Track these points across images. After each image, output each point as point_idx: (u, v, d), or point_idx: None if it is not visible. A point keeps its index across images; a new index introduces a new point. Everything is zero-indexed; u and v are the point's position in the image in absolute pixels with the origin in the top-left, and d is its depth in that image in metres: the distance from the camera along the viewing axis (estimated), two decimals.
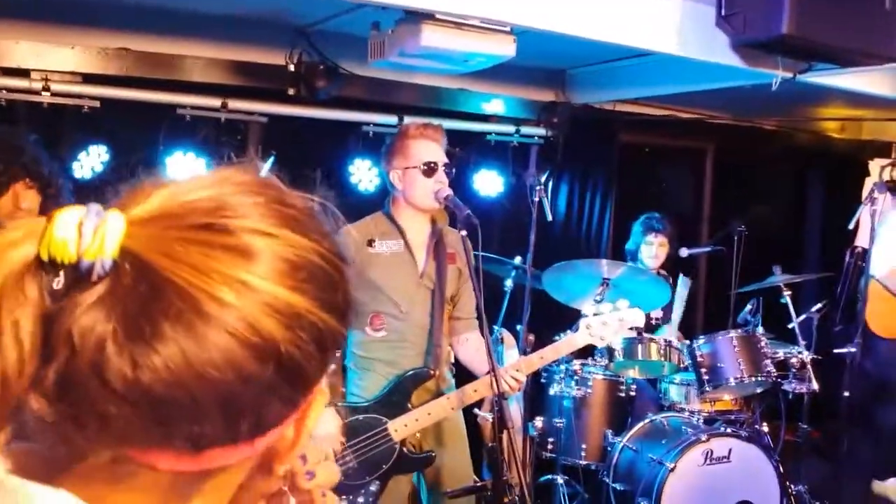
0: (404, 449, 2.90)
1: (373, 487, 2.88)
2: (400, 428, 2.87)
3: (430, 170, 2.96)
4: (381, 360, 2.99)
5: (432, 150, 3.01)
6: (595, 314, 3.02)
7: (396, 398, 2.92)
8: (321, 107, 4.37)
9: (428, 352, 2.98)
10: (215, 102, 4.16)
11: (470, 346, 3.09)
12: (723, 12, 3.52)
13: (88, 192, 3.81)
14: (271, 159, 4.36)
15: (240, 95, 4.22)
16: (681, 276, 4.64)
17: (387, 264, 2.97)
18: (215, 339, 0.56)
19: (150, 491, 0.61)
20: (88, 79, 3.89)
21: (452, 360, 3.23)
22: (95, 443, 0.57)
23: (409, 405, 2.91)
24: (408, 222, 3.04)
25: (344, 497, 2.87)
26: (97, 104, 3.89)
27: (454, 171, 3.09)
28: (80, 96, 3.88)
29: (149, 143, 4.08)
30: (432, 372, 2.95)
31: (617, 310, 2.98)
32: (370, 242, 2.98)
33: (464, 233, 2.84)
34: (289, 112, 4.36)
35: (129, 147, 4.05)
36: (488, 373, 2.74)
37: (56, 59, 3.82)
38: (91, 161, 3.92)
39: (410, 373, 2.95)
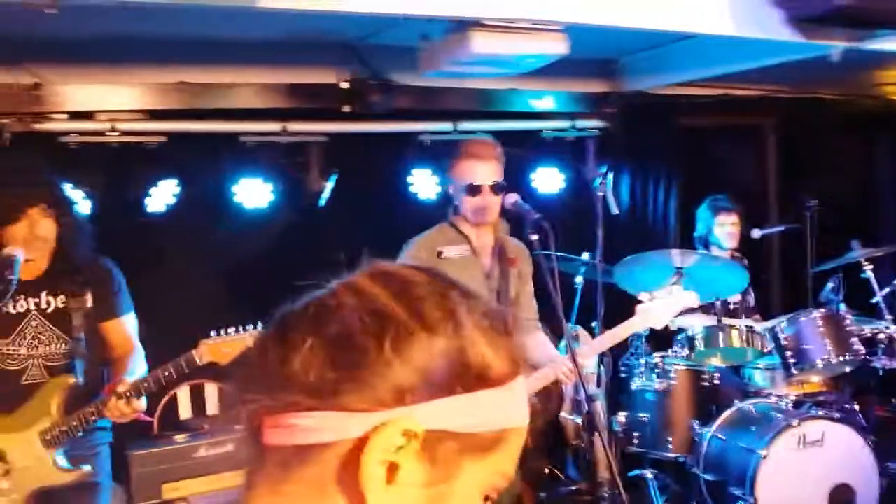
0: None
1: None
2: None
3: (474, 190, 3.08)
4: None
5: (479, 169, 3.09)
6: (650, 299, 3.15)
7: None
8: (377, 121, 4.41)
9: None
10: (275, 127, 4.24)
11: (532, 346, 3.13)
12: None
13: (162, 224, 3.93)
14: (334, 177, 4.44)
15: (298, 117, 4.29)
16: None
17: (456, 267, 3.08)
18: None
19: None
20: (153, 115, 4.00)
21: None
22: None
23: None
24: (469, 231, 3.18)
25: None
26: (163, 139, 4.00)
27: (506, 185, 3.13)
28: (145, 133, 3.99)
29: (216, 173, 4.19)
30: None
31: (670, 293, 3.05)
32: (439, 252, 3.12)
33: (535, 237, 2.87)
34: (346, 129, 4.43)
35: (197, 178, 4.16)
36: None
37: (119, 99, 3.93)
38: (163, 195, 4.03)
39: None
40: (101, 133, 3.90)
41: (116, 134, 3.90)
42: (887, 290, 4.15)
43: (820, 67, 4.14)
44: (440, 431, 0.67)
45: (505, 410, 0.72)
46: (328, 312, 0.71)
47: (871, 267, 4.10)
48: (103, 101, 3.90)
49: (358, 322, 0.69)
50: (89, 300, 2.83)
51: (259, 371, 0.71)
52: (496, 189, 3.09)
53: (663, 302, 3.14)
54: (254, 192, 4.23)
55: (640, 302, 3.59)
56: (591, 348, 3.22)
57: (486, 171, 3.08)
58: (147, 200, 4.02)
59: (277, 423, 0.68)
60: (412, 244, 3.17)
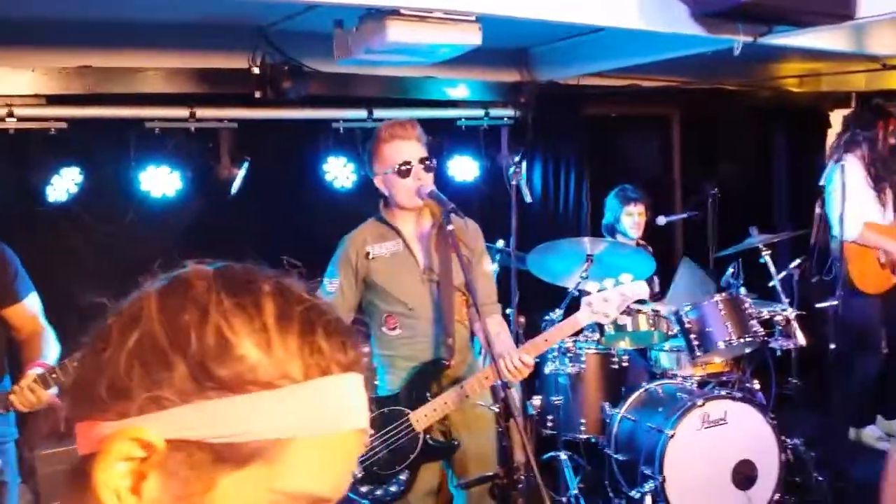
0: (428, 438, 2.99)
1: (403, 476, 2.97)
2: (421, 418, 2.96)
3: (405, 171, 2.97)
4: (399, 356, 3.06)
5: (405, 149, 3.01)
6: (599, 290, 3.01)
7: (416, 390, 3.00)
8: (289, 107, 4.34)
9: (442, 343, 3.01)
10: (183, 112, 4.12)
11: (491, 331, 2.96)
12: None
13: (65, 213, 3.79)
14: (245, 165, 4.35)
15: (207, 103, 4.18)
16: (685, 259, 4.67)
17: (388, 266, 3.02)
18: None
19: None
20: (52, 100, 3.83)
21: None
22: None
23: (429, 396, 2.98)
24: (402, 222, 3.07)
25: (376, 486, 2.97)
26: (64, 125, 3.84)
27: (434, 163, 3.09)
28: (45, 119, 3.82)
29: (120, 160, 4.04)
30: (447, 363, 2.99)
31: (619, 284, 2.99)
32: (367, 253, 3.02)
33: (450, 227, 2.86)
34: (257, 116, 4.34)
35: (101, 166, 4.01)
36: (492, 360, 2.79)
37: (17, 83, 3.75)
38: (65, 183, 3.87)
39: (424, 366, 3.02)
40: None
41: (14, 120, 3.72)
42: (783, 273, 4.36)
43: (721, 60, 4.32)
44: (184, 441, 0.62)
45: (276, 417, 0.63)
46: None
47: (769, 252, 4.30)
48: (0, 85, 3.72)
49: (108, 328, 0.68)
50: None
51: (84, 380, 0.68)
52: (427, 166, 3.00)
53: (610, 294, 2.97)
54: (161, 181, 4.10)
55: (565, 290, 3.67)
56: (536, 346, 2.97)
57: (412, 149, 3.00)
58: (48, 189, 3.85)
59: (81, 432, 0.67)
60: (343, 242, 3.07)
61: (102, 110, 3.93)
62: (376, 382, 3.13)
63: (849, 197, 4.28)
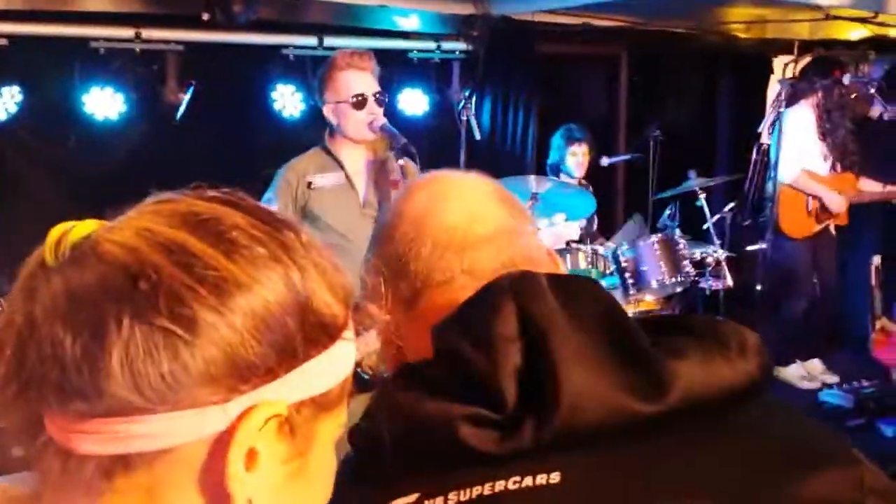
0: (359, 370, 3.04)
1: None
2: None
3: (360, 102, 2.96)
4: None
5: (361, 80, 2.99)
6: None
7: None
8: (238, 31, 4.25)
9: None
10: (128, 33, 4.03)
11: None
12: None
13: (5, 134, 3.72)
14: (190, 90, 4.29)
15: (154, 24, 4.09)
16: (637, 215, 4.80)
17: (328, 197, 3.02)
18: None
19: None
20: None
21: None
22: None
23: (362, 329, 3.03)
24: (346, 154, 3.06)
25: None
26: (5, 42, 3.72)
27: (387, 98, 3.11)
28: None
29: (64, 80, 3.95)
30: None
31: (553, 225, 3.09)
32: (309, 183, 3.01)
33: (401, 161, 2.91)
34: (205, 38, 4.25)
35: (43, 85, 3.92)
36: None
37: None
38: (5, 103, 3.78)
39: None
40: None
41: None
42: (717, 217, 4.54)
43: (674, 2, 4.37)
44: (298, 402, 0.58)
45: (350, 358, 0.64)
46: (136, 279, 0.54)
47: (705, 196, 4.47)
48: None
49: (185, 289, 0.54)
50: None
51: (48, 364, 0.53)
52: (380, 101, 2.99)
53: (545, 234, 3.08)
54: (105, 103, 4.02)
55: None
56: None
57: (367, 81, 2.98)
58: None
59: (92, 430, 0.53)
60: (283, 169, 3.05)
61: (45, 27, 3.82)
62: None
63: (792, 141, 4.44)
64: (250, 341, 0.55)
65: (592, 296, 0.79)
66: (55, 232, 0.58)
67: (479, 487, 0.73)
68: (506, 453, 0.72)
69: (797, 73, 4.87)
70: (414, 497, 0.76)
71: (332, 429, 0.63)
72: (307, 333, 0.58)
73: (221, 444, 0.55)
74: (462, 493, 0.74)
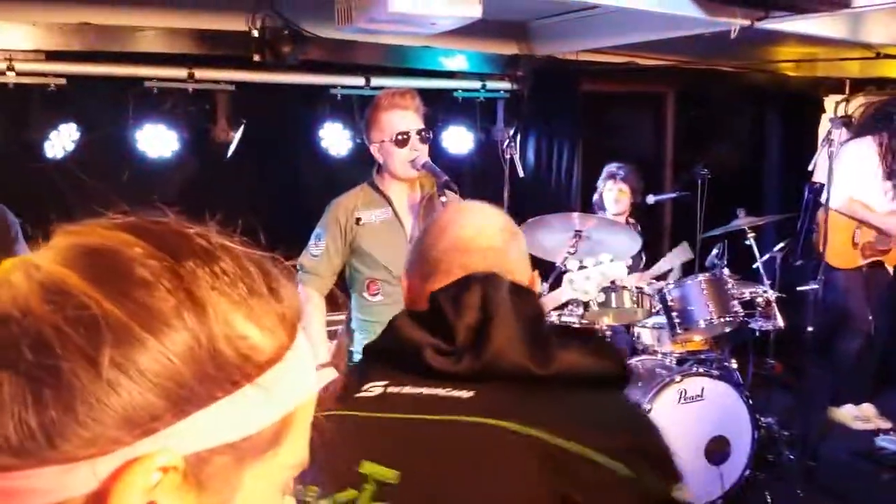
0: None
1: None
2: None
3: (402, 140, 3.00)
4: (379, 322, 3.03)
5: (404, 119, 3.03)
6: (579, 268, 3.10)
7: None
8: (288, 72, 4.37)
9: None
10: (181, 73, 4.15)
11: None
12: None
13: (62, 170, 3.83)
14: (241, 128, 4.39)
15: (206, 65, 4.21)
16: (685, 244, 4.75)
17: (376, 232, 3.05)
18: None
19: None
20: (52, 56, 3.85)
21: None
22: None
23: None
24: (393, 190, 3.10)
25: None
26: (63, 81, 3.86)
27: (431, 135, 3.13)
28: (45, 74, 3.84)
29: (118, 119, 4.07)
30: None
31: (600, 263, 3.08)
32: (358, 219, 3.05)
33: (444, 199, 2.92)
34: (255, 79, 4.37)
35: (98, 123, 4.04)
36: None
37: (17, 38, 3.76)
38: (62, 140, 3.90)
39: None
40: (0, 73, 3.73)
41: (13, 74, 3.74)
42: (767, 256, 4.44)
43: (718, 41, 4.36)
44: (205, 451, 0.52)
45: (284, 392, 0.56)
46: (7, 323, 0.50)
47: (754, 234, 4.38)
48: (0, 39, 3.73)
49: (56, 337, 0.49)
50: None
51: None
52: (423, 137, 3.03)
53: (592, 272, 3.07)
54: (157, 141, 4.13)
55: (554, 265, 3.74)
56: None
57: (411, 119, 3.02)
58: (45, 145, 3.88)
59: None
60: (332, 205, 3.09)
61: (101, 68, 3.96)
62: (352, 348, 3.16)
63: (847, 170, 4.37)
64: (129, 390, 0.49)
65: (532, 303, 1.28)
66: None
67: (425, 389, 1.17)
68: (448, 372, 1.16)
69: (856, 111, 4.82)
70: (384, 383, 1.20)
71: (267, 474, 0.57)
72: (206, 375, 0.52)
73: (101, 500, 0.49)
74: (414, 388, 1.17)
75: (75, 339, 0.49)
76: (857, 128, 4.50)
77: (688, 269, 4.64)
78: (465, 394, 1.15)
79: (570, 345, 1.19)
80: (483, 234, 1.37)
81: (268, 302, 0.56)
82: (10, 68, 3.72)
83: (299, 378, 0.58)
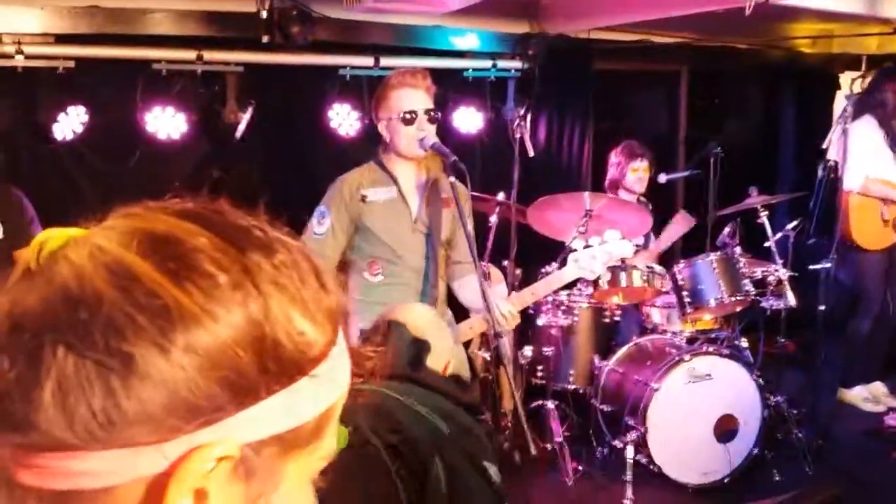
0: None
1: None
2: None
3: (410, 119, 2.98)
4: (380, 303, 2.99)
5: (413, 97, 3.01)
6: (585, 247, 3.07)
7: None
8: (296, 52, 4.35)
9: (424, 293, 3.06)
10: (190, 55, 4.15)
11: (470, 289, 3.12)
12: None
13: (71, 153, 3.86)
14: (249, 109, 4.39)
15: (214, 46, 4.20)
16: (683, 211, 4.73)
17: (381, 211, 3.03)
18: None
19: None
20: (61, 39, 3.86)
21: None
22: None
23: None
24: (399, 170, 3.08)
25: None
26: (71, 64, 3.88)
27: (440, 115, 3.12)
28: (54, 57, 3.86)
29: (126, 101, 4.08)
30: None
31: (605, 242, 3.05)
32: (363, 196, 3.03)
33: (452, 179, 2.90)
34: (264, 60, 4.36)
35: (107, 106, 4.06)
36: (481, 312, 2.86)
37: (26, 21, 3.78)
38: (70, 122, 3.92)
39: None
40: (7, 56, 3.74)
41: (22, 58, 3.76)
42: (779, 234, 4.40)
43: (733, 18, 4.29)
44: (256, 442, 0.53)
45: (329, 386, 0.58)
46: (76, 306, 0.50)
47: (766, 213, 4.34)
48: (9, 23, 3.74)
49: (128, 324, 0.50)
50: (0, 231, 2.80)
51: None
52: (432, 118, 3.01)
53: (597, 251, 3.04)
54: (166, 123, 4.14)
55: (563, 245, 3.74)
56: (522, 298, 3.09)
57: (420, 98, 3.00)
58: (55, 127, 3.90)
59: (31, 464, 0.50)
60: (338, 181, 3.08)
61: (110, 50, 3.96)
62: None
63: (856, 149, 4.31)
64: (195, 379, 0.50)
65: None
66: (41, 237, 0.56)
67: None
68: None
69: (864, 87, 4.74)
70: None
71: (306, 465, 0.58)
72: (267, 368, 0.53)
73: (160, 486, 0.51)
74: None
75: (147, 327, 0.50)
76: (855, 108, 4.41)
77: (699, 247, 4.60)
78: None
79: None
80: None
81: (318, 296, 0.58)
82: (19, 52, 3.73)
83: (342, 370, 0.60)
